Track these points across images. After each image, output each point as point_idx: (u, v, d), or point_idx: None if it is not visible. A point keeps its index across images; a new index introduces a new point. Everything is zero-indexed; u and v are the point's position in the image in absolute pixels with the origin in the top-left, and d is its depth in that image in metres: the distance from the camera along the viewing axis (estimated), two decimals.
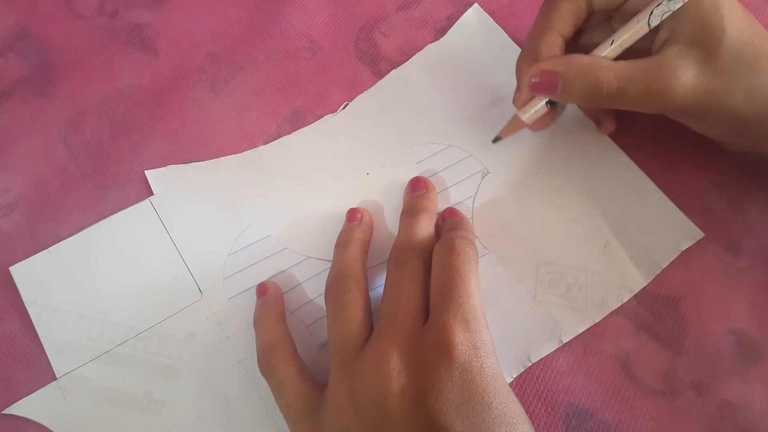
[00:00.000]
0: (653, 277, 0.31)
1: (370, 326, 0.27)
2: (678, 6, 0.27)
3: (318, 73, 0.37)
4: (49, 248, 0.32)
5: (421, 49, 0.37)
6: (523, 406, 0.26)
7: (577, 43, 0.32)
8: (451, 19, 0.38)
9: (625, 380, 0.29)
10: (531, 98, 0.31)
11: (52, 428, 0.28)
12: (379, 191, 0.34)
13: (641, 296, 0.31)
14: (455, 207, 0.33)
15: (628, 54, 0.28)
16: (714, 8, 0.27)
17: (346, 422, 0.24)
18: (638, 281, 0.31)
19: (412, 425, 0.23)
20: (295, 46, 0.38)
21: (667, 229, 0.32)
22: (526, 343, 0.30)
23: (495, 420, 0.23)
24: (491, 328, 0.26)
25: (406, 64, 0.37)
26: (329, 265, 0.30)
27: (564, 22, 0.30)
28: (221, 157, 0.34)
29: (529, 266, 0.32)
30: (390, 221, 0.33)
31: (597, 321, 0.30)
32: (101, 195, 0.33)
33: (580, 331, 0.30)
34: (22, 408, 0.29)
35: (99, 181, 0.34)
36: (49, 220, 0.33)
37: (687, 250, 0.32)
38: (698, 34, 0.27)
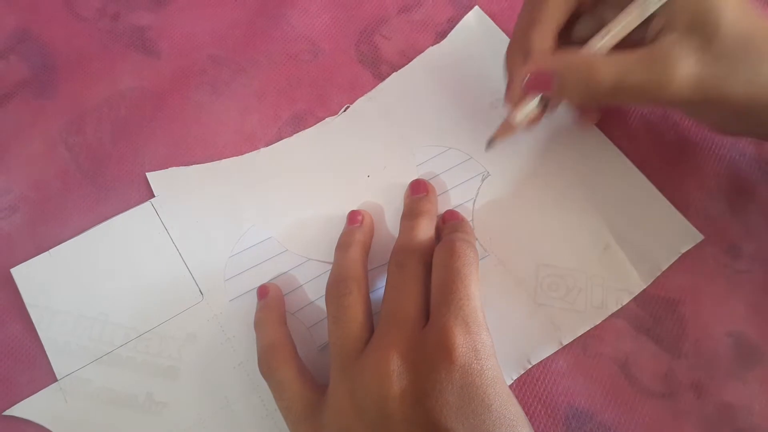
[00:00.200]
0: (653, 280, 0.31)
1: (370, 328, 0.27)
2: None
3: (319, 75, 0.37)
4: (50, 250, 0.32)
5: (421, 51, 0.38)
6: (523, 408, 0.26)
7: (568, 35, 0.30)
8: (452, 22, 0.39)
9: (624, 382, 0.29)
10: (524, 95, 0.29)
11: (53, 430, 0.28)
12: (380, 193, 0.34)
13: (641, 298, 0.31)
14: (456, 209, 0.33)
15: (620, 44, 0.27)
16: None
17: (347, 424, 0.24)
18: (638, 284, 0.31)
19: (413, 427, 0.23)
20: (297, 48, 0.38)
21: (667, 232, 0.32)
22: (526, 345, 0.30)
23: (495, 422, 0.23)
24: (491, 330, 0.26)
25: (406, 66, 0.37)
26: (330, 267, 0.30)
27: (555, 12, 0.28)
28: (222, 159, 0.35)
29: (530, 268, 0.32)
30: (390, 223, 0.33)
31: (597, 323, 0.30)
32: (102, 197, 0.34)
33: (580, 333, 0.30)
34: (23, 409, 0.29)
35: (100, 182, 0.34)
36: (50, 221, 0.33)
37: (687, 252, 0.32)
38: (695, 21, 0.26)
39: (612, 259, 0.32)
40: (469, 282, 0.26)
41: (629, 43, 0.27)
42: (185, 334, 0.30)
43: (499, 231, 0.33)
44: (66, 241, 0.32)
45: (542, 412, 0.29)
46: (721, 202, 0.33)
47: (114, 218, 0.33)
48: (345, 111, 0.36)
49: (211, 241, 0.32)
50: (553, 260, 0.32)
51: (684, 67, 0.26)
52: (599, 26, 0.28)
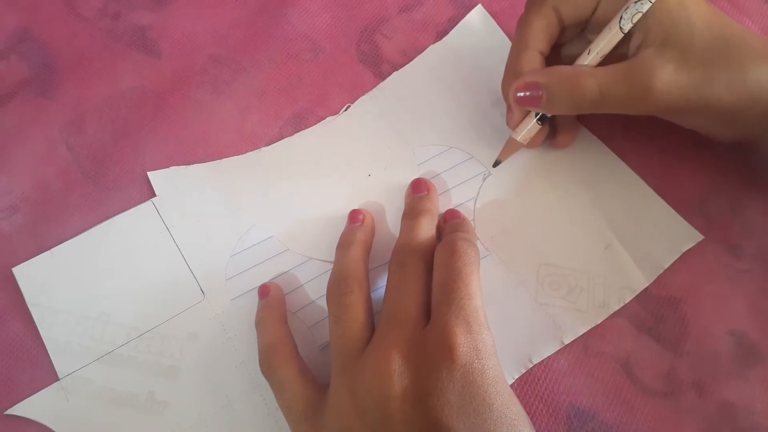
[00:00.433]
0: (655, 278, 0.31)
1: (371, 327, 0.27)
2: (646, 7, 0.27)
3: (320, 74, 0.37)
4: (52, 249, 0.32)
5: (422, 51, 0.38)
6: (525, 407, 0.26)
7: (558, 57, 0.33)
8: (453, 21, 0.38)
9: (626, 381, 0.29)
10: (523, 117, 0.31)
11: (54, 429, 0.28)
12: (381, 193, 0.34)
13: (642, 297, 0.31)
14: (457, 209, 0.33)
15: (607, 62, 0.29)
16: (680, 7, 0.27)
17: (348, 423, 0.24)
18: (640, 282, 0.31)
19: (414, 426, 0.23)
20: (297, 48, 0.38)
21: (668, 232, 0.32)
22: (527, 344, 0.30)
23: (496, 421, 0.23)
24: (492, 329, 0.26)
25: (407, 65, 0.37)
26: (331, 266, 0.30)
27: (539, 39, 0.30)
28: (223, 159, 0.35)
29: (531, 268, 0.32)
30: (392, 223, 0.33)
31: (598, 322, 0.30)
32: (103, 196, 0.34)
33: (582, 333, 0.30)
34: (24, 409, 0.29)
35: (101, 182, 0.34)
36: (51, 221, 0.33)
37: (688, 252, 0.32)
38: (669, 33, 0.27)
39: (613, 258, 0.32)
40: (471, 281, 0.26)
41: (614, 59, 0.29)
42: (186, 333, 0.30)
43: (501, 230, 0.33)
44: (67, 240, 0.32)
45: (544, 412, 0.29)
46: (722, 202, 0.33)
47: (115, 217, 0.33)
48: (346, 110, 0.36)
49: (212, 240, 0.32)
50: (555, 260, 0.32)
51: (662, 76, 0.27)
52: (583, 50, 0.30)
